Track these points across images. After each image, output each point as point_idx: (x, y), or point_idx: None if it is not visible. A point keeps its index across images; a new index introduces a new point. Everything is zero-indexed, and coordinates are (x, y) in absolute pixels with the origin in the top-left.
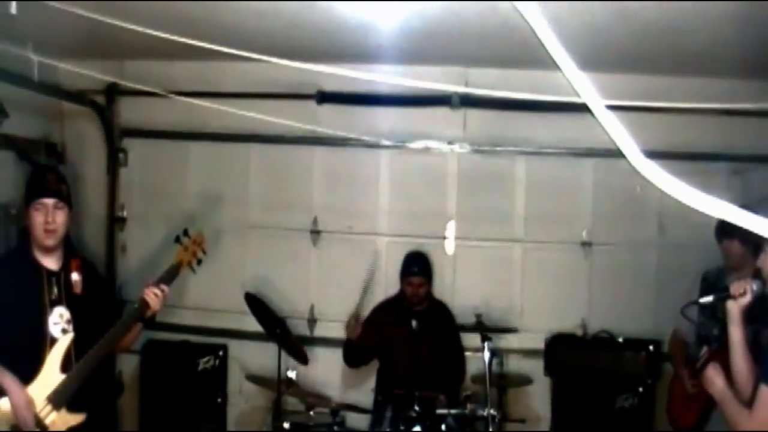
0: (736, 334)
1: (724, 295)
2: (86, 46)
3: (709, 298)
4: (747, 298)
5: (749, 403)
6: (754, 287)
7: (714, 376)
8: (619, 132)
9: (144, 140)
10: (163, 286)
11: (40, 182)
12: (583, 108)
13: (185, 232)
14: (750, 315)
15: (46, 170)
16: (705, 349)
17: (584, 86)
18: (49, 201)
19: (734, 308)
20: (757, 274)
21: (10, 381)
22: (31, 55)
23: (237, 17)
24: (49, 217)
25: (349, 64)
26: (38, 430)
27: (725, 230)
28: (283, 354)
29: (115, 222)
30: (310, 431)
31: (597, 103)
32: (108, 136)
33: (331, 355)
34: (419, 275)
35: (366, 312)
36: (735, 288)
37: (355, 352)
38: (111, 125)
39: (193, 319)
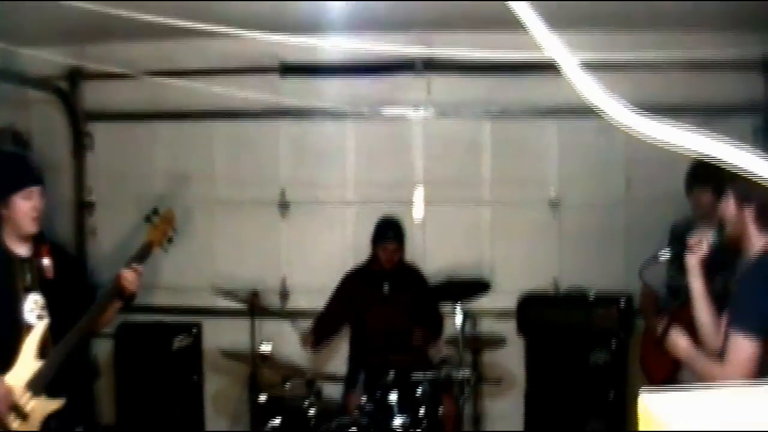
0: (696, 286)
1: (680, 248)
2: (47, 31)
3: (666, 253)
4: (704, 250)
5: (721, 354)
6: (711, 238)
7: (677, 340)
8: (590, 87)
9: (109, 123)
10: (136, 266)
11: (26, 169)
12: (547, 68)
13: (155, 211)
14: (718, 264)
15: (24, 158)
16: (665, 318)
17: (552, 43)
18: (36, 188)
19: (692, 260)
20: (720, 223)
21: None
22: None
23: None
24: (37, 204)
25: (311, 34)
26: (18, 418)
27: (698, 178)
28: (257, 328)
29: (83, 207)
30: (287, 403)
31: (566, 58)
32: (73, 121)
33: (305, 327)
34: (394, 240)
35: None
36: (692, 241)
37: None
38: (75, 110)
39: (165, 299)
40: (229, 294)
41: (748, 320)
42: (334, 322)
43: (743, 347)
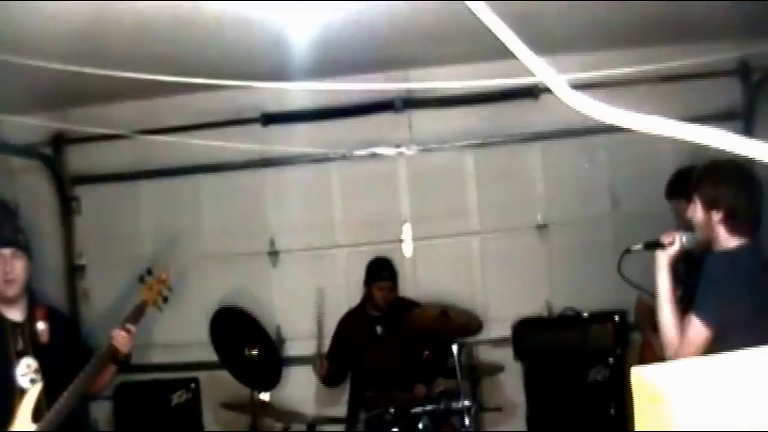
0: (662, 284)
1: (652, 242)
2: (27, 97)
3: (638, 246)
4: (675, 248)
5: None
6: (684, 239)
7: None
8: (586, 103)
9: (95, 186)
10: (130, 326)
11: None
12: (524, 94)
13: (149, 271)
14: (691, 269)
15: None
16: None
17: (539, 65)
18: (7, 251)
19: (662, 258)
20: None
21: None
22: None
23: (171, 48)
24: (7, 267)
25: (290, 82)
26: None
27: (675, 189)
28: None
29: (74, 270)
30: None
31: (555, 78)
32: (59, 186)
33: (302, 373)
34: (389, 280)
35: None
36: (664, 237)
37: (331, 379)
38: (61, 175)
39: (162, 357)
40: None
41: (707, 308)
42: (339, 373)
43: (698, 330)
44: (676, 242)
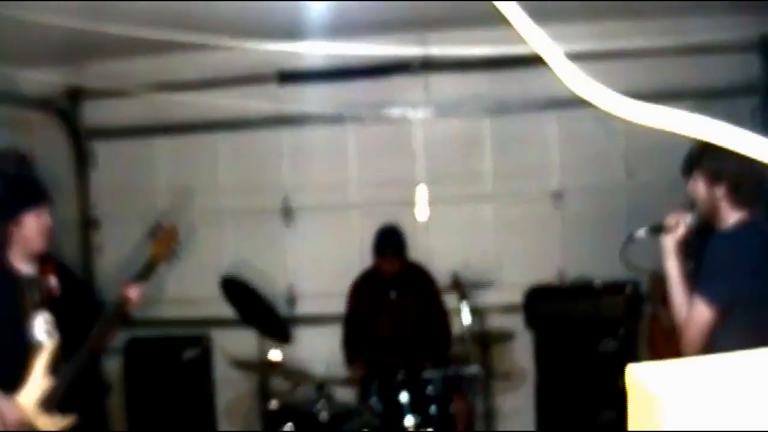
0: (671, 268)
1: (656, 227)
2: (45, 51)
3: (641, 233)
4: (681, 231)
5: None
6: (689, 220)
7: None
8: (577, 77)
9: (111, 140)
10: (141, 282)
11: (35, 189)
12: (543, 60)
13: (158, 226)
14: (697, 247)
15: (33, 177)
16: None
17: (537, 35)
18: (46, 207)
19: (669, 242)
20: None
21: None
22: None
23: (187, 5)
24: (48, 222)
25: (308, 41)
26: None
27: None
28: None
29: (89, 224)
30: (298, 409)
31: (551, 50)
32: (75, 140)
33: (313, 333)
34: (392, 255)
35: None
36: (669, 220)
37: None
38: (77, 128)
39: (173, 312)
40: None
41: (710, 289)
42: (360, 327)
43: (701, 311)
44: (681, 224)
